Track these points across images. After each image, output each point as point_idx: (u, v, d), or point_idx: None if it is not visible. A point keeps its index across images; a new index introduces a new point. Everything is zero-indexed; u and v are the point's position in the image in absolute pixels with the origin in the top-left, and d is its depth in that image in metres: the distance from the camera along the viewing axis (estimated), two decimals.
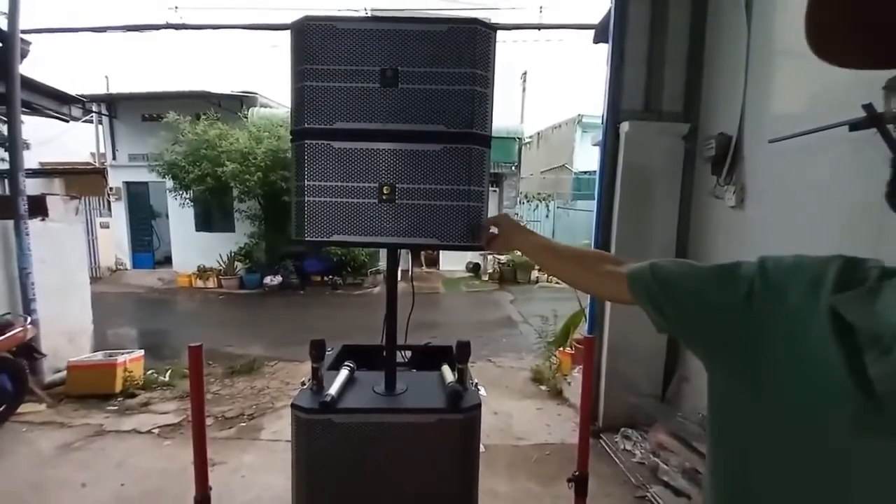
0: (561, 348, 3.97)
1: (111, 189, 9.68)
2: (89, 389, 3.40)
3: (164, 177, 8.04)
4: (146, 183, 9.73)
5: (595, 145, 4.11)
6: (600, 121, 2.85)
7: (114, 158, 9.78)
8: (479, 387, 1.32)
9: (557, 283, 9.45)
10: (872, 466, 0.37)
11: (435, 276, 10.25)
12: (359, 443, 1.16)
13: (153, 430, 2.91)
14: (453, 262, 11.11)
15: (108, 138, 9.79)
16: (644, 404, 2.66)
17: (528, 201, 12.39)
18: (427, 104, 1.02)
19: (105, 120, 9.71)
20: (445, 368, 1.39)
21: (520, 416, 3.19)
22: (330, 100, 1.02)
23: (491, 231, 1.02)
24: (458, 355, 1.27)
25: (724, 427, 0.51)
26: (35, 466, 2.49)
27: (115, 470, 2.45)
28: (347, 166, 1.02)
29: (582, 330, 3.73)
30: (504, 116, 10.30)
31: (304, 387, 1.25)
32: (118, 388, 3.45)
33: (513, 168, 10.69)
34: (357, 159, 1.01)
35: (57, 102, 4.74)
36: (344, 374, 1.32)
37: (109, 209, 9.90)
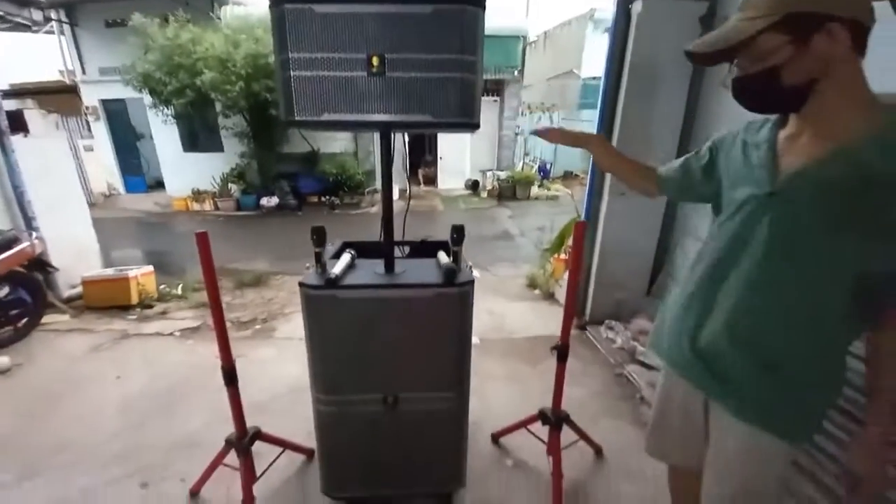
0: (555, 255, 4.11)
1: (87, 108, 9.15)
2: (107, 302, 3.58)
3: (140, 91, 7.52)
4: (123, 100, 9.15)
5: (605, 31, 3.81)
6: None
7: (83, 73, 9.09)
8: (472, 269, 1.41)
9: (555, 197, 9.46)
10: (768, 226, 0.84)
11: (433, 195, 10.19)
12: (363, 316, 1.27)
13: (175, 333, 3.13)
14: (452, 180, 10.96)
15: (74, 50, 8.99)
16: (629, 299, 2.84)
17: (530, 112, 11.78)
18: None
19: (67, 30, 8.82)
20: (441, 253, 1.47)
21: (513, 316, 3.42)
22: None
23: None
24: (453, 238, 1.33)
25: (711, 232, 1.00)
26: (69, 365, 2.70)
27: (144, 364, 2.69)
28: (332, 34, 0.97)
29: None
30: (506, 11, 9.17)
31: (309, 269, 1.34)
32: (134, 299, 3.63)
33: (515, 73, 9.82)
34: (342, 26, 0.96)
35: (15, 6, 4.27)
36: (346, 258, 1.39)
37: (90, 130, 9.46)
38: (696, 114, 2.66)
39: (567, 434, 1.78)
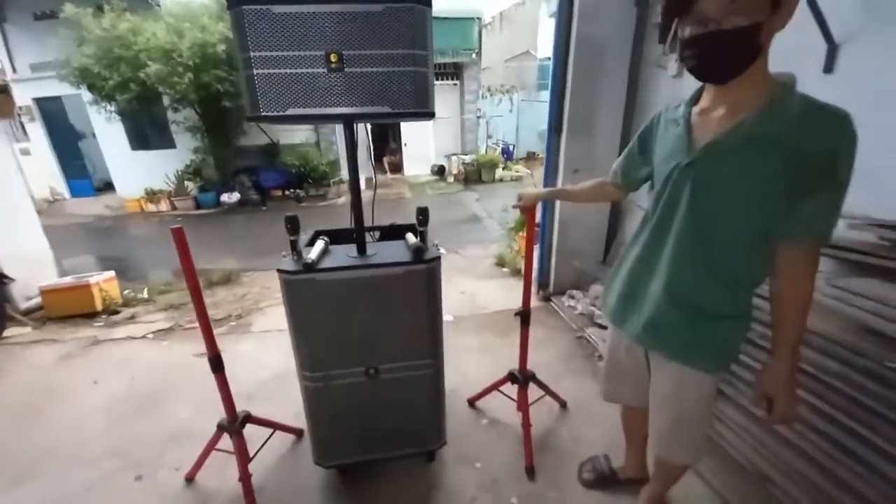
0: (520, 234, 4.31)
1: (20, 108, 8.49)
2: (70, 310, 3.47)
3: (77, 87, 7.03)
4: (60, 98, 8.56)
5: (551, 16, 3.94)
6: None
7: (14, 71, 8.39)
8: (438, 247, 1.54)
9: (519, 178, 9.69)
10: (692, 187, 0.97)
11: (400, 183, 10.20)
12: (340, 296, 1.38)
13: (147, 336, 3.11)
14: (418, 167, 10.98)
15: (2, 47, 8.27)
16: (587, 268, 3.06)
17: (490, 95, 11.91)
18: None
19: None
20: (409, 235, 1.59)
21: (483, 293, 3.60)
22: None
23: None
24: (419, 219, 1.45)
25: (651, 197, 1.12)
26: (41, 375, 2.64)
27: (121, 368, 2.68)
28: (291, 33, 1.05)
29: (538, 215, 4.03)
30: None
31: (286, 257, 1.42)
32: (99, 306, 3.53)
33: (473, 56, 9.93)
34: (300, 25, 1.04)
35: None
36: (320, 244, 1.49)
37: (25, 132, 8.80)
38: (637, 88, 2.85)
39: (535, 392, 1.98)
